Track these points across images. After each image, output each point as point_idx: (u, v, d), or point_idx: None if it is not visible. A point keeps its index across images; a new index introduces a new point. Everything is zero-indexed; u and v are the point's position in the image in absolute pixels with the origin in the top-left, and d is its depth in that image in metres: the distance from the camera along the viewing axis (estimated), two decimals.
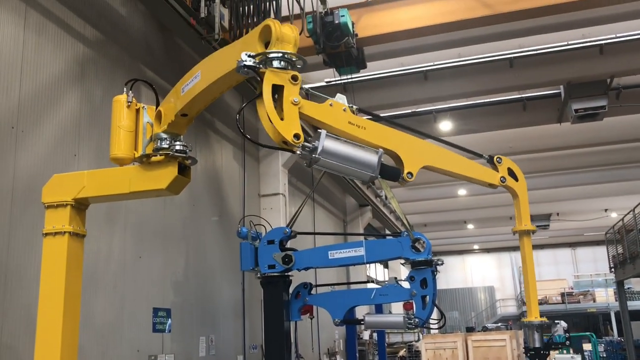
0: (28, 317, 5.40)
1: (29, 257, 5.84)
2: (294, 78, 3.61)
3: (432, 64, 13.59)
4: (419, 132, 5.15)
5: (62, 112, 6.84)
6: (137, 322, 7.82)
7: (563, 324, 3.86)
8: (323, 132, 3.87)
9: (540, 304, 27.18)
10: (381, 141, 4.27)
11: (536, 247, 39.17)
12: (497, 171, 4.90)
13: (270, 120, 3.56)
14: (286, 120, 3.56)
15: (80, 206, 4.14)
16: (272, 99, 3.59)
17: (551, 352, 3.69)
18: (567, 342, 3.63)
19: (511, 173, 4.81)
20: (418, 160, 4.28)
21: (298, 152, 3.71)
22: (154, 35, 8.92)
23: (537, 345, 3.77)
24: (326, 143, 3.81)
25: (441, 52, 12.92)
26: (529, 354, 3.79)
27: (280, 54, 3.56)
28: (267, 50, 3.57)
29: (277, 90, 3.61)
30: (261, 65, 3.54)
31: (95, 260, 7.07)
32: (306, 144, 3.72)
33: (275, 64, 3.56)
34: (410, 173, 4.04)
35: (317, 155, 3.76)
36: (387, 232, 23.95)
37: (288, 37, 3.59)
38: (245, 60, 3.49)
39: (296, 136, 3.59)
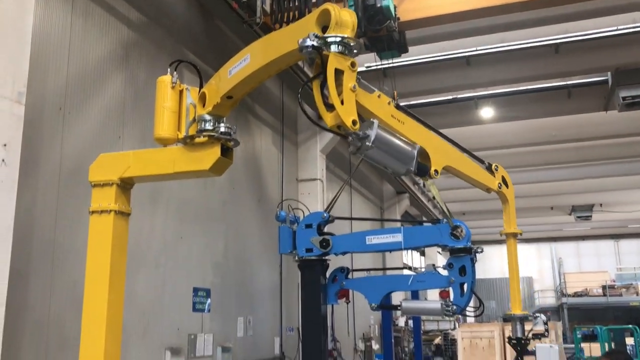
0: (74, 293, 5.57)
1: (76, 235, 6.02)
2: (353, 65, 3.66)
3: (474, 49, 13.34)
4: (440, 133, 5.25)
5: (107, 95, 6.98)
6: (178, 301, 7.99)
7: (543, 317, 4.14)
8: (375, 121, 4.00)
9: (580, 295, 26.95)
10: (416, 137, 4.52)
11: (577, 238, 38.58)
12: (494, 177, 5.20)
13: (327, 105, 3.65)
14: (345, 106, 3.64)
15: (125, 185, 4.24)
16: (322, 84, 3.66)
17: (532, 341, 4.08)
18: (546, 332, 4.00)
19: (504, 180, 5.19)
20: (443, 159, 4.53)
21: (350, 138, 3.85)
22: (196, 19, 9.00)
23: (519, 335, 4.16)
24: (378, 132, 3.95)
25: (484, 37, 12.67)
26: (511, 343, 4.11)
27: (339, 39, 3.59)
28: (327, 34, 3.60)
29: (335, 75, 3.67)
30: (324, 48, 3.58)
31: (137, 239, 7.23)
32: (359, 132, 3.86)
33: (334, 48, 3.59)
34: (436, 170, 4.22)
35: (369, 144, 3.88)
36: (425, 219, 23.77)
37: (347, 21, 3.61)
38: (312, 41, 3.51)
39: (354, 122, 3.70)
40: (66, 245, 6.06)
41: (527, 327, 4.29)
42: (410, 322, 19.07)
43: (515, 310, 4.53)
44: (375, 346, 17.03)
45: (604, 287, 32.85)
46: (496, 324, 18.87)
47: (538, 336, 4.16)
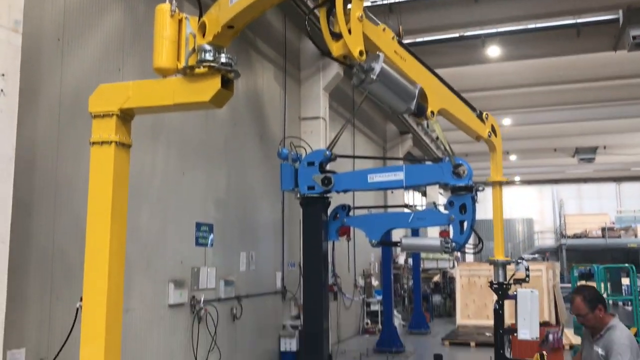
0: (78, 225, 5.63)
1: (78, 167, 6.04)
2: None
3: None
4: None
5: (106, 26, 6.85)
6: (181, 235, 8.09)
7: (525, 263, 4.25)
8: (381, 54, 3.93)
9: (579, 237, 27.17)
10: (416, 76, 4.46)
11: (579, 180, 38.62)
12: (485, 125, 5.17)
13: (333, 34, 3.59)
14: (353, 35, 3.59)
15: (125, 117, 4.20)
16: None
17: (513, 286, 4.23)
18: (527, 278, 4.12)
19: (493, 129, 5.16)
20: (440, 101, 4.50)
21: (354, 69, 3.81)
22: None
23: (501, 280, 4.25)
24: (383, 66, 3.90)
25: None
26: (493, 287, 4.22)
27: None
28: None
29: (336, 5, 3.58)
30: None
31: (139, 174, 7.26)
32: (364, 63, 3.81)
33: None
34: (432, 112, 4.20)
35: (373, 77, 3.83)
36: (427, 159, 23.77)
37: None
38: None
39: (360, 52, 3.67)
40: (68, 177, 6.09)
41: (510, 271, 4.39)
42: (410, 260, 19.38)
43: (498, 256, 4.63)
44: (375, 282, 17.37)
45: (603, 229, 33.15)
46: None
47: (519, 281, 4.27)
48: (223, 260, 9.15)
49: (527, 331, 4.01)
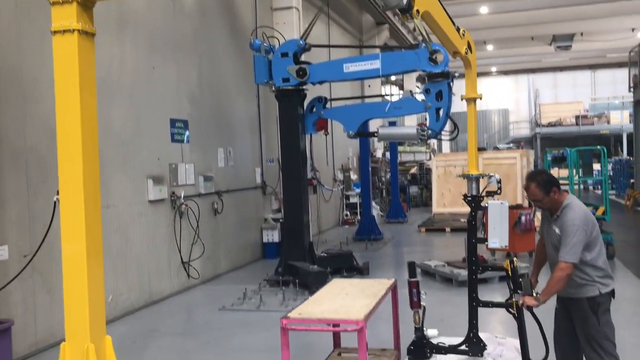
0: (49, 120, 5.52)
1: (42, 63, 5.83)
2: None
3: None
4: None
5: None
6: (155, 132, 8.00)
7: (497, 176, 4.35)
8: None
9: (553, 125, 27.50)
10: None
11: (555, 69, 38.56)
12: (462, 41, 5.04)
13: None
14: None
15: (86, 3, 3.97)
16: None
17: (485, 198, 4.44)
18: (499, 191, 4.26)
19: (469, 46, 5.04)
20: (427, 3, 4.23)
21: None
22: None
23: (474, 193, 4.54)
24: None
25: None
26: (466, 200, 4.36)
27: None
28: None
29: None
30: None
31: (108, 69, 7.05)
32: None
33: None
34: (418, 11, 3.98)
35: None
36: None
37: None
38: None
39: None
40: (34, 73, 5.89)
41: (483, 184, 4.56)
42: (388, 153, 19.57)
43: (472, 171, 4.73)
44: (354, 176, 17.62)
45: (577, 117, 33.54)
46: None
47: (491, 193, 4.42)
48: (200, 156, 9.13)
49: (497, 240, 4.23)
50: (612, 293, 3.81)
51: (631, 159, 23.49)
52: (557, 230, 3.78)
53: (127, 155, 7.37)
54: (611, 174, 22.22)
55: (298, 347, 5.57)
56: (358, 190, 16.21)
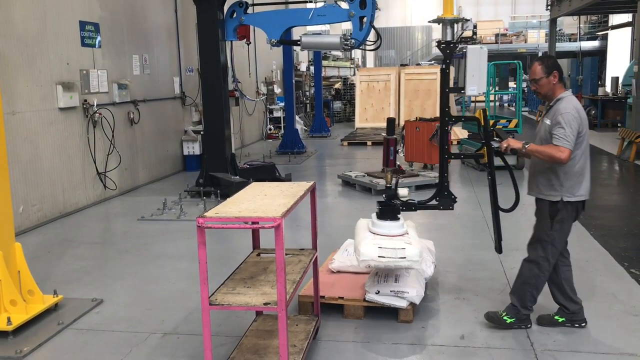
0: None
1: None
2: None
3: None
4: None
5: None
6: (64, 34, 7.47)
7: (473, 21, 4.13)
8: None
9: (474, 43, 27.80)
10: None
11: None
12: None
13: None
14: None
15: None
16: None
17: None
18: (475, 36, 4.10)
19: None
20: None
21: None
22: None
23: (449, 39, 4.14)
24: None
25: None
26: (440, 47, 4.10)
27: None
28: None
29: None
30: None
31: None
32: None
33: None
34: None
35: None
36: None
37: None
38: None
39: None
40: None
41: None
42: (312, 67, 19.32)
43: (446, 14, 4.40)
44: (278, 90, 17.35)
45: (496, 35, 34.19)
46: (393, 68, 19.56)
47: (467, 40, 4.12)
48: (114, 62, 8.66)
49: (475, 87, 4.01)
50: (577, 204, 3.74)
51: None
52: (547, 122, 3.70)
53: (32, 58, 6.87)
54: (525, 91, 23.01)
55: (217, 253, 5.61)
56: (282, 104, 16.03)
